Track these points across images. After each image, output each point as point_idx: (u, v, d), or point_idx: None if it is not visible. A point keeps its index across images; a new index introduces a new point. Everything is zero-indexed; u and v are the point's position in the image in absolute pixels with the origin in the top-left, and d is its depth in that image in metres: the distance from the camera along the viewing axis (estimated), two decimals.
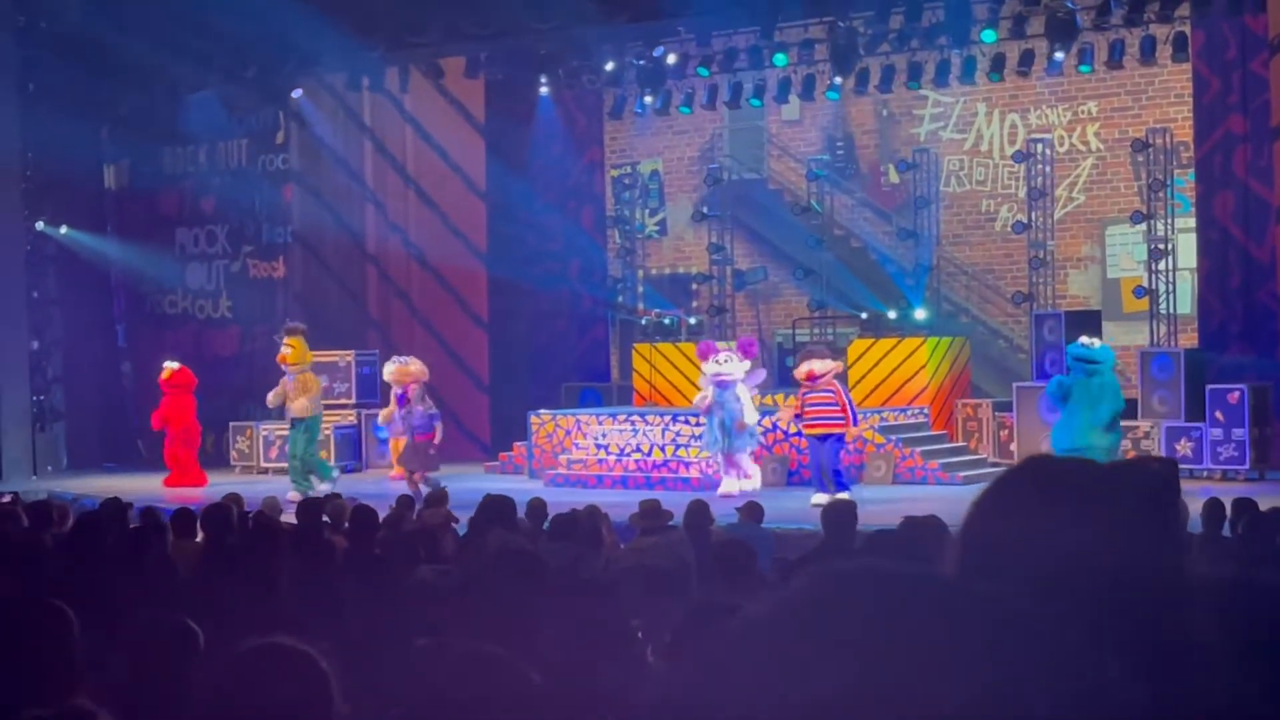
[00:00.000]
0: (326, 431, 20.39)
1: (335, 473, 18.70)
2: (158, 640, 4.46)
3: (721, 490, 16.56)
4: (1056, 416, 15.79)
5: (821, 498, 15.86)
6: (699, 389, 17.66)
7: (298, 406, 18.38)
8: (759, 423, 17.35)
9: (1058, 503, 1.60)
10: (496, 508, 9.93)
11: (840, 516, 9.24)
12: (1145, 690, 1.15)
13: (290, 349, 18.51)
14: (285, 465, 21.14)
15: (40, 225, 23.18)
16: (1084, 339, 16.05)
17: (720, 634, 1.11)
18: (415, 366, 18.51)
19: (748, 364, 17.20)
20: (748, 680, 1.07)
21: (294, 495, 16.53)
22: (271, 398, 18.88)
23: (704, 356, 17.34)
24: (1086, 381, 15.22)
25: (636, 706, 4.00)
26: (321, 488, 17.16)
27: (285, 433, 21.54)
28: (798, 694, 1.05)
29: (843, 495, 14.25)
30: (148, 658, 4.33)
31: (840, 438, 16.26)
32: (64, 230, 23.47)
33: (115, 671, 4.22)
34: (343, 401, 21.83)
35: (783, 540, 11.78)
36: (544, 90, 22.83)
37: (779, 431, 18.28)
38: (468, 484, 17.67)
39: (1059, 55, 19.48)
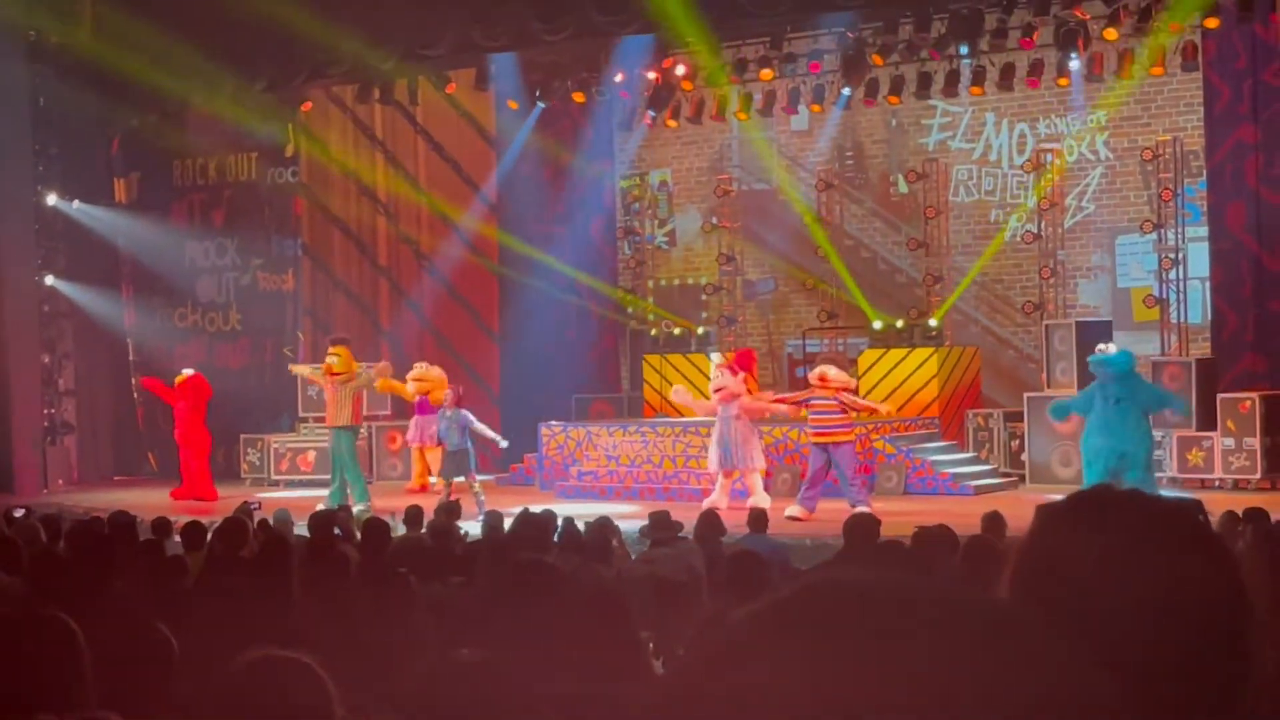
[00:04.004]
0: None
1: (368, 500, 17.43)
2: (131, 648, 4.45)
3: (708, 503, 15.16)
4: (1067, 424, 15.72)
5: (796, 511, 15.72)
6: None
7: (346, 414, 17.96)
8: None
9: (1117, 531, 1.62)
10: (534, 526, 9.85)
11: (862, 530, 9.20)
12: (1118, 691, 1.17)
13: (336, 358, 18.27)
14: (295, 477, 21.20)
15: (52, 200, 23.26)
16: (1100, 347, 16.05)
17: (705, 640, 1.15)
18: (435, 373, 18.54)
19: (741, 375, 17.09)
20: (726, 684, 1.11)
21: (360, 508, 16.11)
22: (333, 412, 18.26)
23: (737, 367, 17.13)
24: (1106, 389, 15.05)
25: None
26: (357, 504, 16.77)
27: (295, 445, 21.61)
28: (773, 698, 1.08)
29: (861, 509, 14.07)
30: (121, 666, 4.32)
31: (850, 446, 16.18)
32: (76, 207, 23.51)
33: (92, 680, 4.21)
34: None
35: (794, 552, 11.76)
36: (554, 102, 22.82)
37: (787, 426, 18.27)
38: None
39: (1074, 64, 19.51)
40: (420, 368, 20.54)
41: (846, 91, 21.09)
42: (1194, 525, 1.66)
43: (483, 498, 16.45)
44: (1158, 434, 17.73)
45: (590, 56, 21.95)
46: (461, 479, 17.05)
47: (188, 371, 20.67)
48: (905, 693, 1.07)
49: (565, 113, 23.31)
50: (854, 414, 16.36)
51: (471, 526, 12.34)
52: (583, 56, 21.88)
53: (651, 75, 22.39)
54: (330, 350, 18.44)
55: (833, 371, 16.37)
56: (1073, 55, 19.47)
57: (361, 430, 19.04)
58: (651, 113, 22.83)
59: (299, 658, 3.09)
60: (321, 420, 19.57)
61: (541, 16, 19.29)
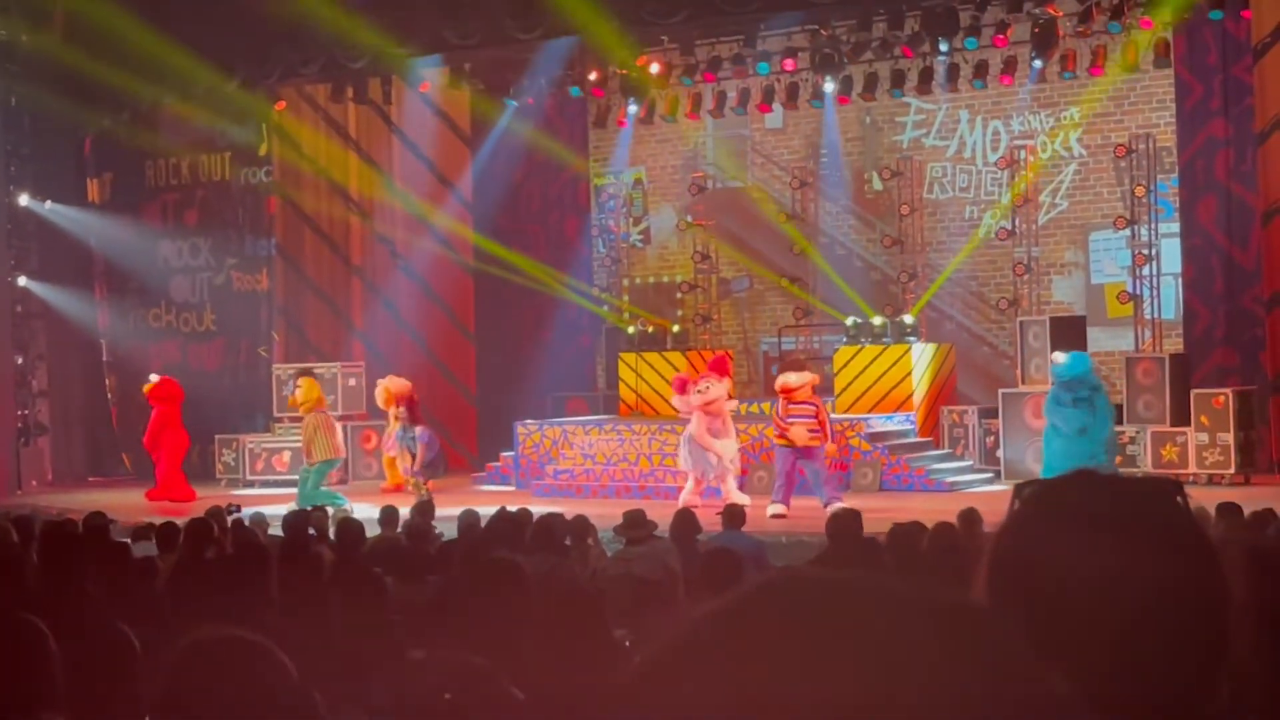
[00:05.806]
0: None
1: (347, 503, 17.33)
2: (101, 650, 4.43)
3: (682, 501, 15.41)
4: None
5: (779, 508, 15.76)
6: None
7: (317, 448, 17.69)
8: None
9: (1095, 516, 1.62)
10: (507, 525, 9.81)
11: (845, 526, 9.21)
12: (1079, 692, 1.18)
13: (299, 389, 18.13)
14: (271, 477, 21.15)
15: (25, 200, 23.20)
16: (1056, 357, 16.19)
17: (666, 637, 1.15)
18: (397, 384, 18.48)
19: (727, 382, 17.03)
20: (687, 682, 1.11)
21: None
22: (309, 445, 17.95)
23: (682, 390, 17.00)
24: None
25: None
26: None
27: (270, 445, 21.56)
28: (734, 695, 1.09)
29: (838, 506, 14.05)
30: (91, 668, 4.30)
31: (820, 450, 16.09)
32: (49, 207, 23.45)
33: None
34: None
35: (771, 550, 11.76)
36: (528, 100, 22.78)
37: (765, 440, 18.28)
38: (455, 495, 17.66)
39: (1037, 63, 19.59)
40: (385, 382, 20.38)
41: (830, 89, 21.03)
42: (1172, 509, 1.66)
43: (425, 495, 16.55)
44: (1131, 429, 17.81)
45: (564, 55, 21.91)
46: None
47: (155, 378, 20.56)
48: (861, 692, 1.07)
49: (539, 110, 23.28)
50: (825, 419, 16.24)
51: (447, 527, 12.31)
52: (556, 55, 21.83)
53: (626, 72, 22.36)
54: (296, 383, 18.44)
55: (793, 379, 16.24)
56: (1034, 56, 19.52)
57: (336, 462, 18.49)
58: (632, 109, 22.79)
59: (252, 637, 3.04)
60: (297, 420, 19.38)
61: (514, 14, 19.28)
